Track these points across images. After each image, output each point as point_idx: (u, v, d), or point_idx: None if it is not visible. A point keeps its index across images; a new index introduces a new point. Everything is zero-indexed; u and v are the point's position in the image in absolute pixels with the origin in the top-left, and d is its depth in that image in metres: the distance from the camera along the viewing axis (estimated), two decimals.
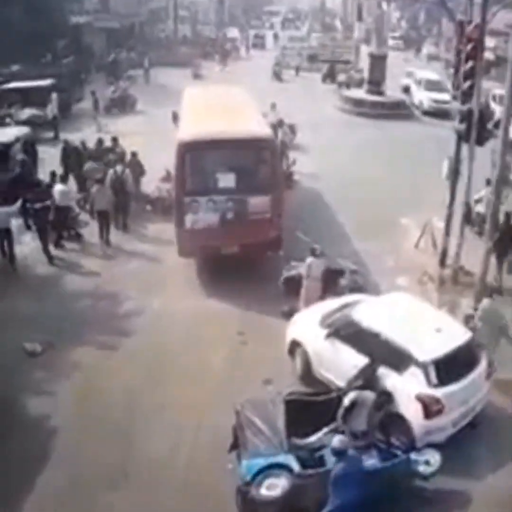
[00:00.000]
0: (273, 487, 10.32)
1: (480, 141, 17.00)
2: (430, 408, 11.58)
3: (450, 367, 11.91)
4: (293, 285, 16.72)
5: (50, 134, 31.70)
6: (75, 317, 16.50)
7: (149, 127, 31.78)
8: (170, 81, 45.16)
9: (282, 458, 10.69)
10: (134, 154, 23.56)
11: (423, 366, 11.78)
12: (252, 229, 17.56)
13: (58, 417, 12.90)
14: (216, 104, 21.40)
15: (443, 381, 11.77)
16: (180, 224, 17.77)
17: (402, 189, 24.54)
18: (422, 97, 41.95)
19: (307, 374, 13.83)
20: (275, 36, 76.84)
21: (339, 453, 9.81)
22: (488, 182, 19.56)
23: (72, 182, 22.74)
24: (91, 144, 25.32)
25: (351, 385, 11.93)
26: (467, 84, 16.70)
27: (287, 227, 18.39)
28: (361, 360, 12.31)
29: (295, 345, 14.21)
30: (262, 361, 14.42)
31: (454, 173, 18.26)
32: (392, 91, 43.53)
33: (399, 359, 12.08)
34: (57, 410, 13.10)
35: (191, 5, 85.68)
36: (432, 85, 42.16)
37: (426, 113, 40.71)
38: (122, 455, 11.95)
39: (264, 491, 10.30)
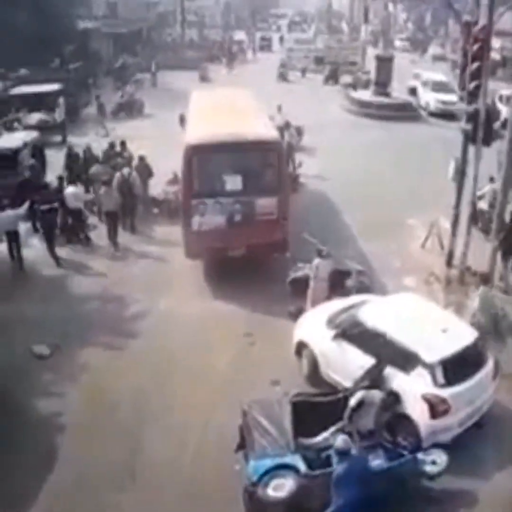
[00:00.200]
0: (280, 488, 10.32)
1: (487, 142, 16.99)
2: (437, 408, 11.57)
3: (457, 367, 11.90)
4: (300, 286, 16.74)
5: (58, 139, 31.82)
6: (82, 319, 16.56)
7: (157, 130, 31.88)
8: (177, 84, 45.29)
9: (289, 459, 10.69)
10: (141, 158, 23.65)
11: (430, 367, 11.77)
12: (259, 231, 17.60)
13: (66, 418, 12.97)
14: (223, 107, 21.46)
15: (449, 381, 11.75)
16: (187, 226, 17.83)
17: (409, 190, 24.56)
18: (429, 98, 41.87)
19: (314, 375, 13.83)
20: (281, 39, 76.90)
21: (342, 453, 9.84)
22: (491, 179, 19.56)
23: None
24: (97, 148, 25.42)
25: (357, 386, 11.95)
26: (473, 84, 16.69)
27: (294, 229, 18.40)
28: (368, 361, 12.32)
29: (302, 346, 14.22)
30: (269, 362, 14.44)
31: (461, 174, 18.27)
32: (398, 93, 43.50)
33: (406, 360, 12.07)
34: (65, 411, 13.16)
35: (198, 10, 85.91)
36: (439, 86, 42.03)
37: (433, 114, 40.60)
38: (129, 456, 12.00)
39: (271, 492, 10.31)
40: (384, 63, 42.25)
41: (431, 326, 12.80)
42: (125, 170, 21.93)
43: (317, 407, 11.91)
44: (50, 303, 17.34)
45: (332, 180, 26.18)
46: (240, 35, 78.82)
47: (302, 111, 33.44)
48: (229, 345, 15.28)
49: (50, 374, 14.43)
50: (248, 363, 14.66)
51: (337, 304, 14.95)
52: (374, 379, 12.00)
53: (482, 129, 16.74)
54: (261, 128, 19.21)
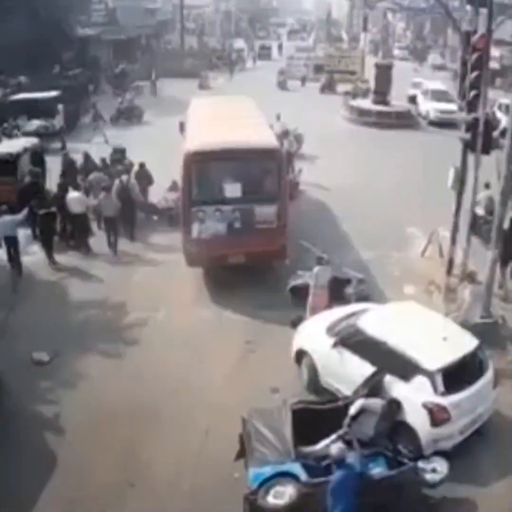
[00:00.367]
0: (280, 495, 10.29)
1: (486, 150, 17.02)
2: (437, 416, 11.56)
3: (457, 376, 11.90)
4: (300, 294, 16.75)
5: (58, 145, 31.84)
6: (81, 326, 16.57)
7: (156, 137, 31.89)
8: (177, 92, 45.32)
9: (289, 467, 10.66)
10: (142, 165, 23.73)
11: (430, 375, 11.76)
12: (259, 239, 17.63)
13: (65, 426, 12.95)
14: (223, 114, 21.53)
15: (450, 389, 11.75)
16: (187, 234, 17.85)
17: (408, 198, 24.63)
18: (428, 107, 41.96)
19: (314, 383, 13.83)
20: (280, 47, 77.16)
21: (338, 462, 9.82)
22: (486, 185, 19.56)
23: None
24: (95, 155, 25.48)
25: (357, 394, 11.95)
26: (472, 93, 16.73)
27: (293, 236, 18.43)
28: (368, 369, 12.32)
29: (301, 354, 14.20)
30: (269, 369, 14.43)
31: (460, 182, 18.30)
32: (397, 101, 43.59)
33: (406, 368, 12.07)
34: (64, 419, 13.13)
35: (198, 17, 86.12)
36: (438, 96, 42.16)
37: (433, 123, 40.69)
38: (128, 464, 11.95)
39: (271, 499, 10.28)
40: (383, 72, 42.39)
41: (431, 334, 12.81)
42: (124, 177, 21.98)
43: (317, 415, 11.90)
44: (49, 309, 17.34)
45: (332, 188, 26.23)
46: (239, 43, 79.02)
47: (302, 119, 33.44)
48: (229, 352, 15.26)
49: (49, 380, 14.38)
50: (248, 371, 14.65)
51: (337, 312, 14.94)
52: (374, 387, 12.00)
53: (481, 137, 16.77)
54: (261, 135, 19.23)
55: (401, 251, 20.76)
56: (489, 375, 12.53)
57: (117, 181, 21.77)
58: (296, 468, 10.65)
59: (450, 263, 18.65)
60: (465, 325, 14.56)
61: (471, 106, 16.94)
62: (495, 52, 34.93)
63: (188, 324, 16.53)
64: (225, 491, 11.10)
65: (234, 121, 20.27)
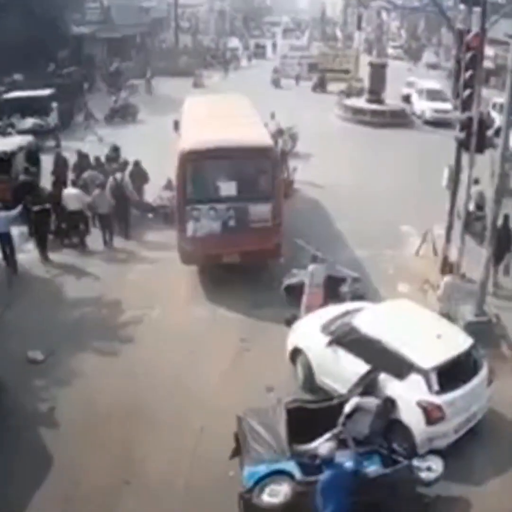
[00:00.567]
0: (275, 494, 10.32)
1: (480, 149, 17.05)
2: (432, 415, 11.60)
3: (452, 374, 11.94)
4: (295, 292, 16.77)
5: (52, 143, 31.77)
6: (76, 324, 16.56)
7: (151, 136, 31.83)
8: (171, 90, 45.22)
9: (284, 465, 10.69)
10: (137, 163, 23.74)
11: (425, 373, 11.80)
12: (253, 237, 17.65)
13: (60, 424, 12.95)
14: (217, 113, 21.52)
15: (444, 388, 11.79)
16: (182, 232, 17.86)
17: (403, 197, 24.66)
18: (423, 106, 41.92)
19: (309, 381, 13.85)
20: (274, 46, 77.10)
21: (327, 461, 9.84)
22: (476, 181, 19.59)
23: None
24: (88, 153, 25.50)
25: (352, 392, 11.97)
26: (467, 93, 16.75)
27: (288, 235, 18.45)
28: (363, 367, 12.35)
29: (296, 352, 14.21)
30: (264, 368, 14.43)
31: (454, 181, 18.34)
32: (392, 100, 43.60)
33: (401, 366, 12.10)
34: (59, 417, 13.14)
35: (192, 16, 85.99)
36: (433, 95, 42.15)
37: (427, 122, 40.65)
38: (124, 462, 11.95)
39: (266, 498, 10.30)
40: (378, 71, 42.39)
41: (425, 333, 12.86)
42: (118, 175, 21.97)
43: (312, 414, 11.93)
44: (44, 307, 17.33)
45: (326, 186, 26.24)
46: (234, 42, 78.84)
47: (296, 118, 33.44)
48: (224, 350, 15.27)
49: (44, 379, 14.38)
50: (243, 369, 14.67)
51: (332, 310, 14.97)
52: (368, 385, 12.03)
53: (475, 137, 16.80)
54: (256, 134, 19.23)
55: (395, 249, 20.79)
56: (483, 373, 12.57)
57: (110, 179, 21.76)
58: (291, 466, 10.67)
59: (445, 261, 18.68)
60: (444, 315, 15.04)
61: (465, 105, 16.97)
62: (489, 51, 34.88)
63: (183, 322, 16.54)
64: (220, 490, 11.10)
65: (228, 120, 20.26)
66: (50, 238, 20.67)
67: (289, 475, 10.54)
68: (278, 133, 28.07)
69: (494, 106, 35.72)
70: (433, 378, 11.77)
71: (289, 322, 15.60)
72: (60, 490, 11.30)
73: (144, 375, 14.34)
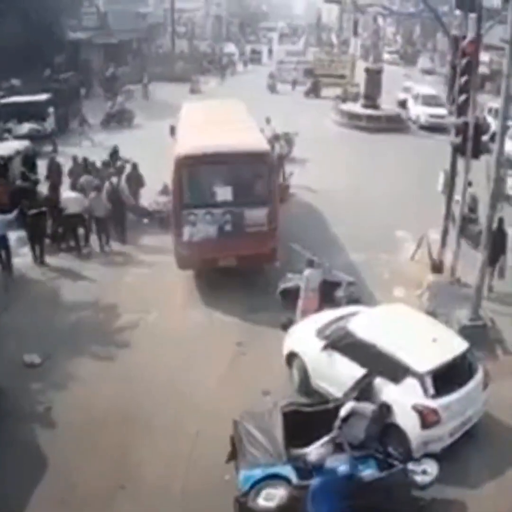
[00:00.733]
0: (271, 498, 10.32)
1: (475, 154, 17.11)
2: (427, 418, 11.62)
3: (447, 378, 11.97)
4: (290, 296, 16.80)
5: (49, 148, 31.80)
6: (73, 328, 16.56)
7: (147, 141, 31.88)
8: (168, 96, 45.34)
9: (280, 469, 10.69)
10: (134, 167, 23.78)
11: (420, 377, 11.82)
12: (249, 241, 17.68)
13: (56, 427, 12.95)
14: (213, 118, 21.56)
15: (440, 391, 11.81)
16: (178, 237, 17.88)
17: (398, 201, 24.73)
18: (419, 112, 42.04)
19: (305, 385, 13.87)
20: (270, 51, 77.32)
21: (317, 467, 9.87)
22: (469, 184, 19.64)
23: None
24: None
25: (348, 396, 11.99)
26: (462, 98, 16.81)
27: (284, 239, 18.49)
28: (358, 371, 12.36)
29: (292, 356, 14.23)
30: (260, 371, 14.47)
31: (450, 186, 18.40)
32: (388, 105, 43.72)
33: (396, 370, 12.12)
34: (55, 420, 13.14)
35: (188, 21, 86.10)
36: (429, 100, 42.24)
37: (423, 127, 40.75)
38: (120, 466, 11.95)
39: (261, 502, 10.30)
40: (373, 76, 42.53)
41: (421, 337, 12.89)
42: (114, 179, 22.00)
43: (308, 417, 11.94)
44: (41, 311, 17.34)
45: (322, 191, 26.28)
46: (230, 47, 79.01)
47: (292, 123, 33.53)
48: (220, 354, 15.28)
49: (40, 382, 14.37)
50: (239, 373, 14.68)
51: (328, 314, 14.99)
52: (364, 389, 12.05)
53: (471, 142, 16.86)
54: (252, 139, 19.28)
55: (390, 254, 20.82)
56: (478, 377, 12.59)
57: (107, 183, 21.80)
58: (287, 470, 10.68)
59: (434, 261, 18.71)
60: (429, 313, 15.37)
61: (461, 110, 17.03)
62: (484, 56, 35.07)
63: (179, 326, 16.56)
64: (216, 494, 11.10)
65: (225, 125, 20.28)
66: (47, 242, 20.64)
67: (285, 479, 10.54)
68: (275, 138, 28.13)
69: (489, 111, 35.85)
70: (429, 382, 11.79)
71: (285, 326, 15.63)
72: (56, 494, 11.28)
73: (140, 379, 14.34)
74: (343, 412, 11.47)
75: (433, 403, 11.68)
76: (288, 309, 16.55)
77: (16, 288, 18.77)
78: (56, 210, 20.68)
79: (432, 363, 11.99)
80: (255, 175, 18.34)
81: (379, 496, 10.47)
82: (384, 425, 11.82)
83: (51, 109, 34.81)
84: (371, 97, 42.41)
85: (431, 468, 11.09)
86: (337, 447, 11.06)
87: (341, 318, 14.28)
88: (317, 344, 13.53)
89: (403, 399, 11.84)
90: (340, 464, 10.58)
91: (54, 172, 24.73)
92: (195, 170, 17.86)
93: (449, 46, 18.67)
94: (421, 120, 41.31)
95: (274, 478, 10.55)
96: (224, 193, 17.74)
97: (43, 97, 35.19)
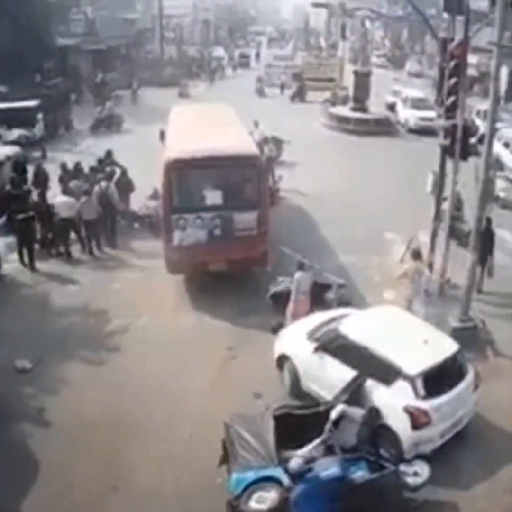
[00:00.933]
0: (263, 500, 10.29)
1: (464, 156, 17.16)
2: (418, 420, 11.64)
3: (438, 379, 12.01)
4: (281, 300, 16.79)
5: (38, 154, 31.73)
6: (64, 333, 16.50)
7: (137, 146, 31.84)
8: (157, 100, 45.30)
9: (271, 471, 10.67)
10: (123, 172, 23.77)
11: (411, 379, 11.84)
12: (240, 245, 17.68)
13: (47, 432, 12.92)
14: (203, 122, 21.57)
15: (430, 393, 11.84)
16: (168, 241, 17.86)
17: (387, 204, 24.81)
18: (408, 115, 42.13)
19: (296, 388, 13.88)
20: (257, 56, 77.53)
21: (297, 476, 9.91)
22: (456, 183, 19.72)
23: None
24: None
25: (338, 399, 12.00)
26: (450, 100, 16.86)
27: (274, 243, 18.51)
28: (349, 374, 12.38)
29: (283, 359, 14.23)
30: (251, 375, 14.46)
31: (439, 187, 18.46)
32: (377, 108, 43.85)
33: (387, 372, 12.14)
34: (46, 425, 13.12)
35: (177, 27, 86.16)
36: (418, 103, 42.35)
37: (412, 131, 40.83)
38: (111, 470, 11.94)
39: (253, 504, 10.28)
40: (362, 79, 42.59)
41: (411, 339, 12.94)
42: (103, 184, 21.98)
43: (299, 420, 11.94)
44: (31, 316, 17.27)
45: (312, 194, 26.32)
46: (219, 52, 79.12)
47: (281, 126, 33.60)
48: (211, 358, 15.29)
49: (32, 387, 14.34)
50: (230, 376, 14.69)
51: (318, 317, 15.01)
52: (354, 392, 12.06)
53: (459, 144, 16.91)
54: (241, 143, 19.28)
55: (381, 256, 20.86)
56: (469, 378, 12.64)
57: (96, 188, 21.76)
58: (279, 473, 10.65)
59: (430, 268, 18.74)
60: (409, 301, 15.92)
61: (449, 112, 17.08)
62: (472, 59, 35.17)
63: (169, 330, 16.54)
64: (208, 497, 11.10)
65: (213, 129, 20.30)
66: (36, 248, 20.60)
67: (277, 481, 10.53)
68: (264, 141, 28.15)
69: (478, 113, 36.01)
70: (419, 383, 11.82)
71: (276, 330, 15.65)
72: (48, 497, 11.27)
73: (131, 384, 14.32)
74: (333, 414, 11.47)
75: (424, 405, 11.71)
76: (279, 313, 16.55)
77: (6, 293, 18.71)
78: (45, 215, 20.63)
79: (423, 365, 12.02)
80: (244, 178, 18.35)
81: (370, 498, 10.50)
82: (375, 428, 11.84)
83: (40, 115, 34.80)
84: (360, 100, 42.53)
85: (423, 469, 11.11)
86: (328, 450, 11.07)
87: (332, 320, 14.30)
88: (308, 347, 13.55)
89: (394, 401, 11.86)
90: (330, 467, 10.61)
91: (41, 178, 24.66)
92: (184, 174, 17.85)
93: (437, 49, 18.72)
94: (410, 123, 41.39)
95: (266, 481, 10.54)
96: (214, 197, 17.74)
97: (32, 103, 35.16)
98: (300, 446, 11.27)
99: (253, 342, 15.88)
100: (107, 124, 39.90)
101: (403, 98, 44.57)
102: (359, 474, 10.84)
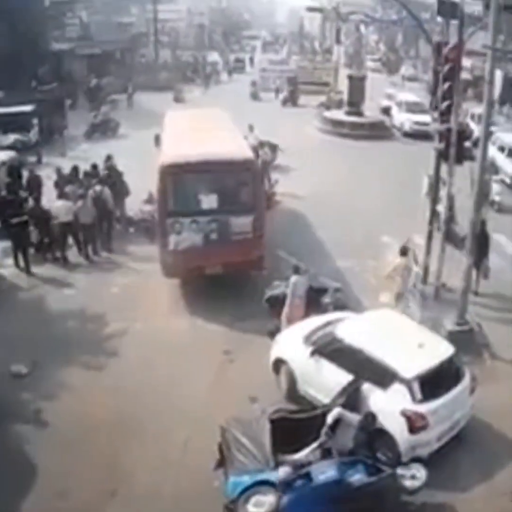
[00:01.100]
0: (260, 504, 10.30)
1: (459, 160, 17.20)
2: (415, 423, 11.67)
3: (434, 383, 12.03)
4: (277, 303, 16.78)
5: (33, 159, 31.73)
6: (60, 338, 16.49)
7: (132, 150, 31.83)
8: (152, 105, 45.24)
9: (268, 475, 10.67)
10: (119, 176, 23.75)
11: (407, 382, 11.87)
12: (235, 249, 17.69)
13: (45, 436, 12.90)
14: (198, 126, 21.59)
15: (427, 396, 11.87)
16: (164, 245, 17.88)
17: (383, 207, 24.84)
18: (403, 119, 42.11)
19: (292, 392, 13.88)
20: (251, 60, 77.56)
21: (285, 485, 9.93)
22: (444, 183, 19.74)
23: None
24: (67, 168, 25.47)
25: (335, 402, 12.00)
26: (445, 104, 16.90)
27: (270, 247, 18.51)
28: (345, 377, 12.40)
29: (279, 363, 14.24)
30: (248, 379, 14.45)
31: (434, 190, 18.49)
32: (371, 112, 43.90)
33: (383, 376, 12.17)
34: (43, 430, 13.12)
35: (171, 31, 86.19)
36: (413, 107, 42.39)
37: (407, 134, 40.83)
38: (109, 474, 11.92)
39: (250, 508, 10.28)
40: (356, 83, 42.71)
41: (407, 342, 12.92)
42: (97, 187, 21.97)
43: (295, 424, 11.93)
44: (28, 321, 17.27)
45: (307, 198, 26.33)
46: (214, 56, 79.10)
47: (276, 131, 33.62)
48: (207, 362, 15.29)
49: (28, 392, 14.32)
50: (226, 380, 14.70)
51: (314, 321, 15.01)
52: (351, 395, 12.06)
53: (454, 147, 16.94)
54: (236, 147, 19.32)
55: (376, 260, 20.85)
56: (466, 381, 12.66)
57: (91, 192, 21.74)
58: (276, 476, 10.64)
59: (425, 271, 18.76)
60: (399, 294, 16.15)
61: (444, 116, 17.11)
62: (466, 62, 35.25)
63: (166, 334, 16.53)
64: (205, 500, 11.11)
65: (208, 133, 20.31)
66: (32, 253, 20.58)
67: (273, 485, 10.52)
68: (259, 145, 28.17)
69: (472, 117, 36.09)
70: (416, 387, 11.84)
71: (272, 334, 15.64)
72: (46, 502, 11.28)
73: (128, 388, 14.32)
74: (330, 418, 11.48)
75: (420, 408, 11.73)
76: (275, 316, 16.53)
77: (2, 297, 18.68)
78: (41, 220, 20.61)
79: (419, 368, 12.04)
80: (240, 183, 18.36)
81: (368, 501, 10.49)
82: (372, 432, 11.84)
83: (35, 120, 34.79)
84: (355, 104, 42.62)
85: (420, 473, 11.10)
86: (325, 453, 11.07)
87: (328, 324, 14.30)
88: (304, 351, 13.55)
89: (391, 405, 11.88)
90: (327, 470, 10.61)
91: (34, 184, 24.63)
92: (179, 179, 17.87)
93: (432, 53, 18.73)
94: (406, 127, 41.37)
95: (263, 485, 10.54)
96: (209, 201, 17.76)
97: (27, 108, 35.18)
98: (296, 450, 11.30)
99: (250, 346, 15.87)
100: (103, 129, 39.84)
101: (398, 102, 44.62)
102: (357, 477, 10.82)
